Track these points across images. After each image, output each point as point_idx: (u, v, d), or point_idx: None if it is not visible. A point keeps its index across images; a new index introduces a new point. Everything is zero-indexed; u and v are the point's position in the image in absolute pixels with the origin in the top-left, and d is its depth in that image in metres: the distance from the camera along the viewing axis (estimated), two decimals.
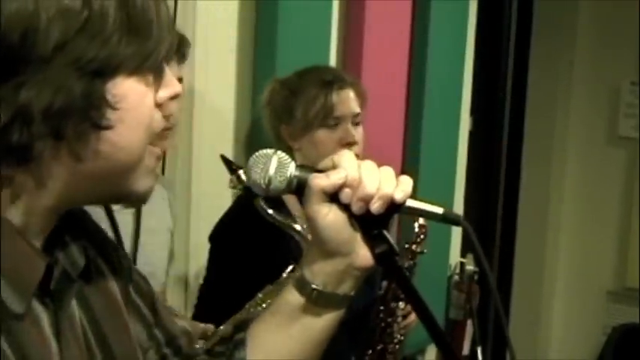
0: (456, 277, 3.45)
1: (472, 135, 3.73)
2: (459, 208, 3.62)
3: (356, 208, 0.93)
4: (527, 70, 4.42)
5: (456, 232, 3.64)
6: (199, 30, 2.27)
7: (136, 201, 0.85)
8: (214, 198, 2.24)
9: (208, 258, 2.13)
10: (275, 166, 0.95)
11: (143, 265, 1.74)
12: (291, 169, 0.95)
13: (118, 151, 0.79)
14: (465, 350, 3.33)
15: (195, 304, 2.16)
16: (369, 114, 2.20)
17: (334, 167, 0.94)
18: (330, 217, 0.94)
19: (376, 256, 0.97)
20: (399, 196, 0.93)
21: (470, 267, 3.32)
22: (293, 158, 0.95)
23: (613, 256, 4.40)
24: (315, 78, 2.09)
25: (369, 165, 0.94)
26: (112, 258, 0.95)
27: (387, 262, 0.98)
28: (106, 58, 0.75)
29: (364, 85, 2.24)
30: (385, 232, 0.97)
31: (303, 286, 0.99)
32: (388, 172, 0.94)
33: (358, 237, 0.97)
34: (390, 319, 2.21)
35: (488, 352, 3.09)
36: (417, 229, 2.27)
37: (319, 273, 0.98)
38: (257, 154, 0.96)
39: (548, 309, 4.58)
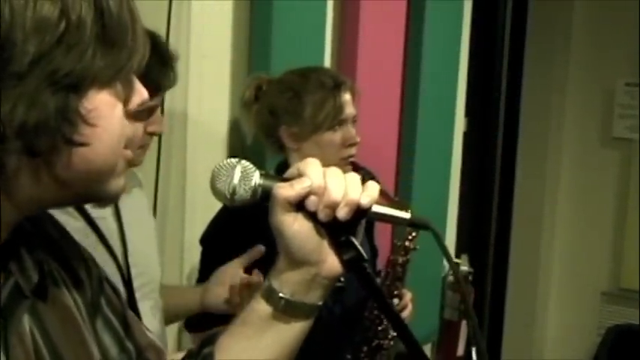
0: (451, 278, 3.46)
1: (467, 135, 3.74)
2: (453, 208, 3.62)
3: (322, 215, 0.92)
4: (521, 71, 4.43)
5: (451, 233, 3.64)
6: (194, 30, 2.26)
7: (107, 202, 0.84)
8: (209, 199, 2.23)
9: (200, 260, 2.12)
10: (239, 175, 0.93)
11: (136, 264, 1.71)
12: (256, 179, 0.94)
13: (89, 163, 0.77)
14: (460, 351, 3.34)
15: None
16: (364, 114, 2.20)
17: (299, 176, 0.93)
18: (295, 226, 0.93)
19: (344, 263, 0.96)
20: (365, 202, 0.92)
21: (464, 267, 3.32)
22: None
23: (607, 256, 4.40)
24: (319, 80, 2.07)
25: (334, 172, 0.93)
26: (75, 268, 0.92)
27: (356, 268, 0.96)
28: (81, 71, 0.73)
29: (358, 86, 2.24)
30: (353, 239, 0.95)
31: (270, 295, 0.97)
32: (354, 178, 0.93)
33: (325, 245, 0.95)
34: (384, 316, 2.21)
35: (483, 353, 3.08)
36: None
37: (287, 282, 0.96)
38: (220, 163, 0.95)
39: (543, 309, 4.58)
